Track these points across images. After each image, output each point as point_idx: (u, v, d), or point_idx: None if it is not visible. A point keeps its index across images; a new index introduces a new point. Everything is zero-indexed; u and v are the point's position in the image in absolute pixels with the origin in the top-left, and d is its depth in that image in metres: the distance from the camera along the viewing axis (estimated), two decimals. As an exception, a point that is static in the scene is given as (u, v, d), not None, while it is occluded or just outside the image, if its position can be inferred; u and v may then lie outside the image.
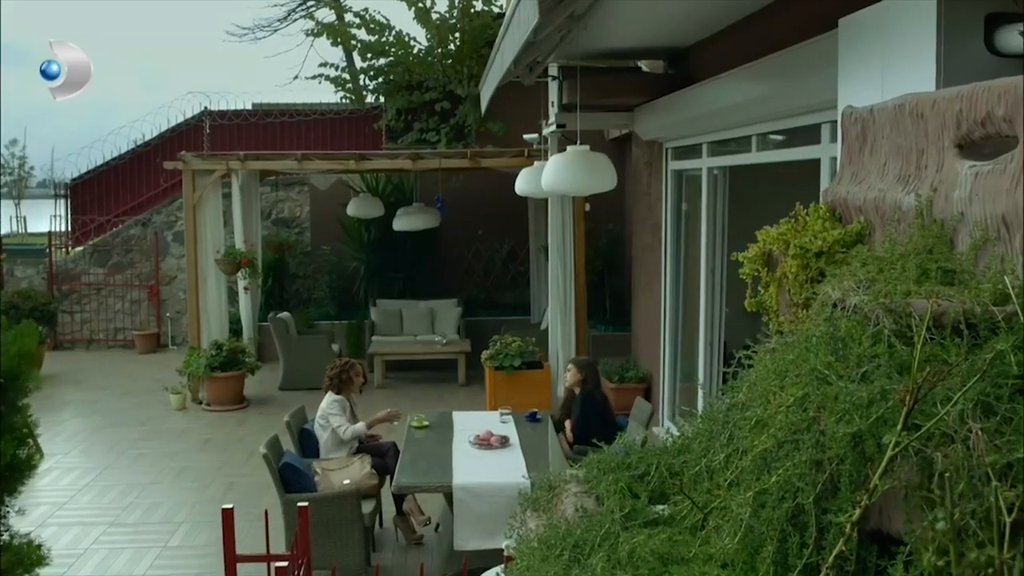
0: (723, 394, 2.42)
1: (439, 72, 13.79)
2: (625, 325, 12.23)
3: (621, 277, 12.97)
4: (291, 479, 5.43)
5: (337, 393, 6.33)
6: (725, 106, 6.46)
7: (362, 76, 14.38)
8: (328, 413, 6.25)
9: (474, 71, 13.32)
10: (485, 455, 5.68)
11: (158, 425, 9.50)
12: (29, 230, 21.07)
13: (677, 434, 2.74)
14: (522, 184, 7.45)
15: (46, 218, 14.84)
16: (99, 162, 14.45)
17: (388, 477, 6.03)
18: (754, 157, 6.50)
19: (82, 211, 14.41)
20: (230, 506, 3.46)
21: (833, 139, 5.22)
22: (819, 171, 5.33)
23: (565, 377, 6.75)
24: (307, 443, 6.28)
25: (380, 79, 14.09)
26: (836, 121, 5.31)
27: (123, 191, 14.42)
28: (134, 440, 8.91)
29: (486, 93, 8.21)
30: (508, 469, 5.35)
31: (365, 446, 6.39)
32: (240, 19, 22.07)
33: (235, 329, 12.00)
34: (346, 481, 5.65)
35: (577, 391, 6.55)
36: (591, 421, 6.28)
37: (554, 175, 5.49)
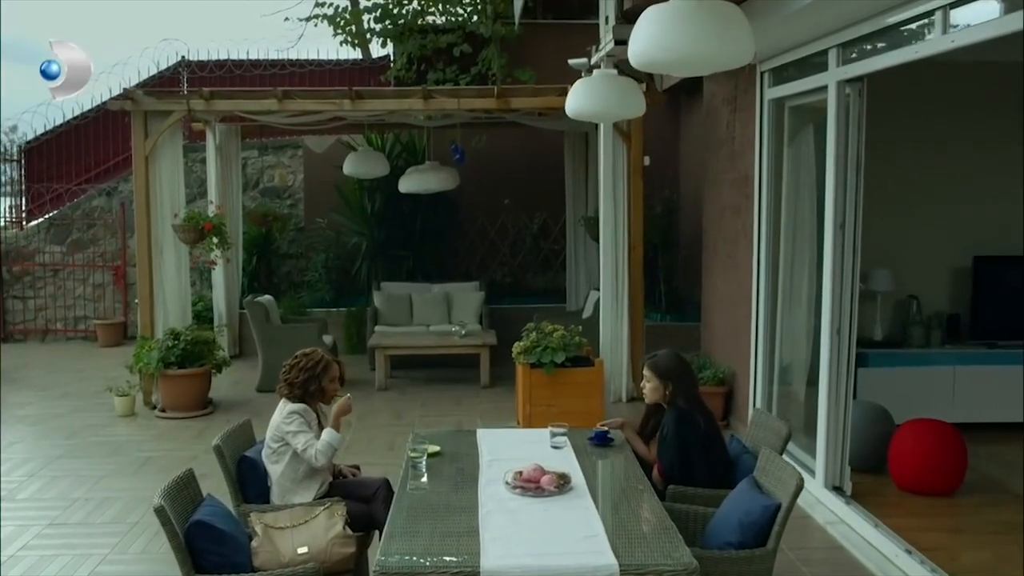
0: None
1: (458, 11, 11.57)
2: (682, 314, 10.02)
3: (677, 256, 10.70)
4: (206, 548, 3.20)
5: (299, 402, 4.11)
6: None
7: (367, 18, 12.12)
8: (286, 431, 4.03)
9: (499, 8, 11.09)
10: (534, 508, 3.40)
11: (93, 436, 7.33)
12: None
13: None
14: (577, 100, 5.13)
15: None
16: (58, 122, 12.28)
17: (376, 533, 3.81)
18: (942, 42, 4.21)
19: (37, 179, 12.24)
20: None
21: None
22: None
23: (643, 388, 4.42)
24: (251, 481, 4.05)
25: (388, 21, 11.85)
26: None
27: (86, 156, 12.26)
28: (53, 457, 6.75)
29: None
30: (573, 536, 3.11)
31: (341, 484, 4.18)
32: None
33: (208, 316, 9.86)
34: (302, 550, 3.43)
35: (665, 406, 4.29)
36: (692, 456, 4.04)
37: (660, 36, 3.15)
